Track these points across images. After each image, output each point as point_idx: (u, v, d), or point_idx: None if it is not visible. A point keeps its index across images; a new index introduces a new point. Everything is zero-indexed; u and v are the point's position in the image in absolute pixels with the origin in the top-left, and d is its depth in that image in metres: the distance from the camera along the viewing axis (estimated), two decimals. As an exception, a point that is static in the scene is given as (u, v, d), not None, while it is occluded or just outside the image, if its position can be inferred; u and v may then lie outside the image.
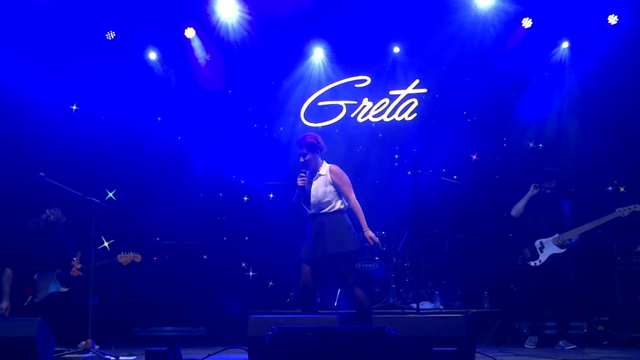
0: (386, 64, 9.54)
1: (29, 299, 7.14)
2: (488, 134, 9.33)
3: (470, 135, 9.33)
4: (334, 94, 9.57)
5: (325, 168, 6.40)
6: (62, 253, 7.29)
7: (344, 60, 9.50)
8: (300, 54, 9.49)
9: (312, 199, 6.30)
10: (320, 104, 9.59)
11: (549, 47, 9.10)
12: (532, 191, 7.67)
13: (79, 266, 7.18)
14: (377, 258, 8.57)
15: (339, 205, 6.33)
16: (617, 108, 8.82)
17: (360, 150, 9.56)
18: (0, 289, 7.12)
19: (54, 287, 7.22)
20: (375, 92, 9.52)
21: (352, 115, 9.55)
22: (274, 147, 9.53)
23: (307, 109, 9.58)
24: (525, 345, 7.50)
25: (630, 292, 7.64)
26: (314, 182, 6.34)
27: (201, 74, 9.42)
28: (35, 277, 7.23)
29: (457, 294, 8.83)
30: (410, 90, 9.46)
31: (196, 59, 9.33)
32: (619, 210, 7.10)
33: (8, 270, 7.17)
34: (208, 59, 9.30)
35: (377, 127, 9.58)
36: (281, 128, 9.68)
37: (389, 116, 9.48)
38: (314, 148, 6.33)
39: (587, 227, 7.28)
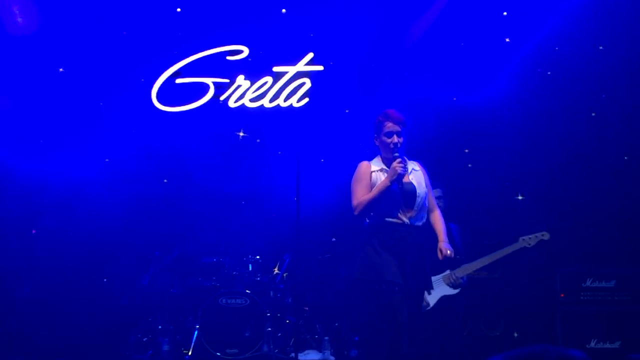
0: (270, 31, 8.26)
1: None
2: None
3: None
4: (197, 68, 8.19)
5: (413, 163, 5.17)
6: None
7: (213, 23, 8.13)
8: (153, 13, 7.98)
9: (417, 199, 4.96)
10: (179, 81, 8.17)
11: (483, 20, 7.92)
12: None
13: None
14: (248, 291, 7.51)
15: None
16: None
17: (231, 145, 8.41)
18: None
19: None
20: (254, 68, 8.22)
21: (222, 99, 8.19)
22: (115, 136, 8.16)
23: (160, 88, 8.14)
24: None
25: (575, 340, 6.77)
26: (410, 178, 5.04)
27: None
28: None
29: (354, 340, 7.76)
30: (300, 67, 8.15)
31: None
32: (523, 240, 6.62)
33: None
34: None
35: (255, 115, 8.32)
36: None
37: (271, 101, 8.15)
38: (407, 129, 5.09)
39: (486, 261, 6.66)
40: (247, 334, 7.35)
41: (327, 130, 8.27)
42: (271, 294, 7.76)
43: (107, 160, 8.14)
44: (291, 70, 8.15)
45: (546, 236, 6.52)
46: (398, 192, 4.90)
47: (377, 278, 4.83)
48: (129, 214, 8.04)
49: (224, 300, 7.38)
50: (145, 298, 7.92)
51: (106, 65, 8.09)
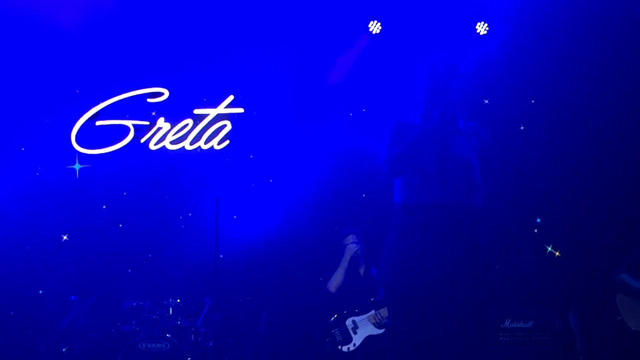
0: (190, 74, 8.00)
1: None
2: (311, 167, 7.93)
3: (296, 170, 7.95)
4: (118, 111, 7.89)
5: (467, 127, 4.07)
6: None
7: (133, 65, 7.85)
8: (70, 53, 7.70)
9: (464, 172, 3.81)
10: (99, 123, 7.86)
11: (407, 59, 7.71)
12: (349, 252, 6.71)
13: None
14: (168, 335, 7.03)
15: None
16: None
17: (151, 187, 8.04)
18: None
19: None
20: (174, 111, 7.95)
21: (143, 141, 7.90)
22: (34, 179, 7.82)
23: (80, 130, 7.84)
24: None
25: (494, 385, 6.67)
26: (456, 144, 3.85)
27: None
28: None
29: (277, 383, 7.49)
30: (221, 109, 7.90)
31: None
32: None
33: None
34: None
35: (176, 157, 8.05)
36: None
37: (192, 143, 7.92)
38: None
39: None
40: (167, 379, 7.10)
41: (248, 172, 8.00)
42: (192, 337, 7.23)
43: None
44: (212, 112, 7.91)
45: None
46: (435, 163, 3.72)
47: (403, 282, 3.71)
48: (46, 257, 7.72)
49: (143, 345, 6.87)
50: (64, 343, 7.44)
51: (25, 106, 7.77)
